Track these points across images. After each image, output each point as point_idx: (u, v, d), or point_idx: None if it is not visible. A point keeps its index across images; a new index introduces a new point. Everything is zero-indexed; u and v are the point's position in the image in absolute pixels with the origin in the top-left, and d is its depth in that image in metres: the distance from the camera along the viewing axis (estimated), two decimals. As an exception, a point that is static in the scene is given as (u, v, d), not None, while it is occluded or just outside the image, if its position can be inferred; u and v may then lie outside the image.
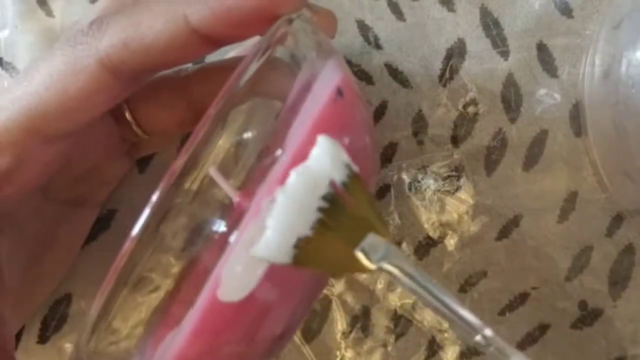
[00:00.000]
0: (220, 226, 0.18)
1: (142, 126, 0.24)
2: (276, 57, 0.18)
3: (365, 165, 0.19)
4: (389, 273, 0.17)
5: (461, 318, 0.17)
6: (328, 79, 0.19)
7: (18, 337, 0.27)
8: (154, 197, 0.16)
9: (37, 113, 0.19)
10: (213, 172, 0.18)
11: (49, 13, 0.28)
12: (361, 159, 0.18)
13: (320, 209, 0.16)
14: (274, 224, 0.16)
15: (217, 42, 0.19)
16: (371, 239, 0.17)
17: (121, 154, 0.25)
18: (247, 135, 0.19)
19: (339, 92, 0.18)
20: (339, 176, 0.16)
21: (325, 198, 0.16)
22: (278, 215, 0.16)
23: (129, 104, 0.24)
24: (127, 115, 0.24)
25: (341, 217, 0.16)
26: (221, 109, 0.16)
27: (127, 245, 0.16)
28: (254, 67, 0.17)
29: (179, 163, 0.16)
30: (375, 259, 0.17)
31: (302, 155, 0.16)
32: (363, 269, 0.17)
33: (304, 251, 0.16)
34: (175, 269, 0.20)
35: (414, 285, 0.17)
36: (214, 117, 0.16)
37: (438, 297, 0.17)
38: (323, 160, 0.16)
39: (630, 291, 0.27)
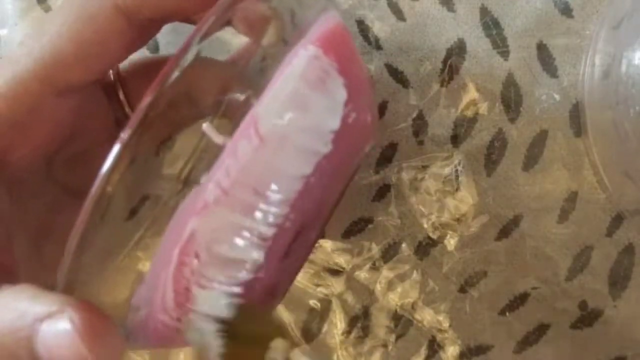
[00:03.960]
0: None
1: (134, 108, 0.24)
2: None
3: (365, 105, 0.20)
4: None
5: None
6: (330, 17, 0.19)
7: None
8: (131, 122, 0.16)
9: (53, 62, 0.19)
10: (207, 128, 0.18)
11: (48, 10, 0.28)
12: (361, 101, 0.19)
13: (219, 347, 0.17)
14: None
15: None
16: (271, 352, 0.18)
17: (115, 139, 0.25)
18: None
19: (344, 27, 0.19)
20: (226, 313, 0.17)
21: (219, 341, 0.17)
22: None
23: (122, 84, 0.24)
24: (121, 95, 0.24)
25: (238, 346, 0.18)
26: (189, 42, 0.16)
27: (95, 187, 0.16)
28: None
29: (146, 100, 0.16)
30: None
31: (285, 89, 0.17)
32: None
33: None
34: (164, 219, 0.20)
35: None
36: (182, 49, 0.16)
37: None
38: (207, 305, 0.17)
39: (630, 291, 0.27)
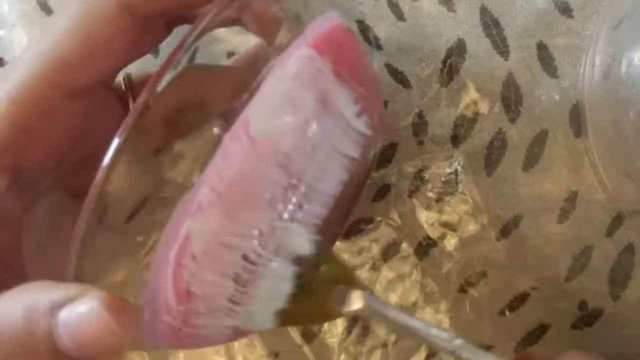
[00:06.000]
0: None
1: None
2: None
3: (371, 103, 0.20)
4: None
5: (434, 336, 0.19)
6: (330, 19, 0.19)
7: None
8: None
9: (60, 65, 0.19)
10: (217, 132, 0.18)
11: (48, 11, 0.28)
12: (366, 98, 0.19)
13: (293, 284, 0.18)
14: (256, 301, 0.18)
15: None
16: (340, 292, 0.19)
17: None
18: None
19: (348, 28, 0.19)
20: (308, 250, 0.18)
21: (295, 276, 0.18)
22: (258, 294, 0.18)
23: (134, 92, 0.24)
24: (131, 105, 0.24)
25: (312, 285, 0.18)
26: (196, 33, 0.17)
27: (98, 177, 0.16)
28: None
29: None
30: (346, 307, 0.19)
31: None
32: (339, 316, 0.20)
33: (284, 317, 0.18)
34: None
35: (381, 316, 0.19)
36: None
37: (408, 325, 0.19)
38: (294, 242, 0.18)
39: (630, 291, 0.27)
